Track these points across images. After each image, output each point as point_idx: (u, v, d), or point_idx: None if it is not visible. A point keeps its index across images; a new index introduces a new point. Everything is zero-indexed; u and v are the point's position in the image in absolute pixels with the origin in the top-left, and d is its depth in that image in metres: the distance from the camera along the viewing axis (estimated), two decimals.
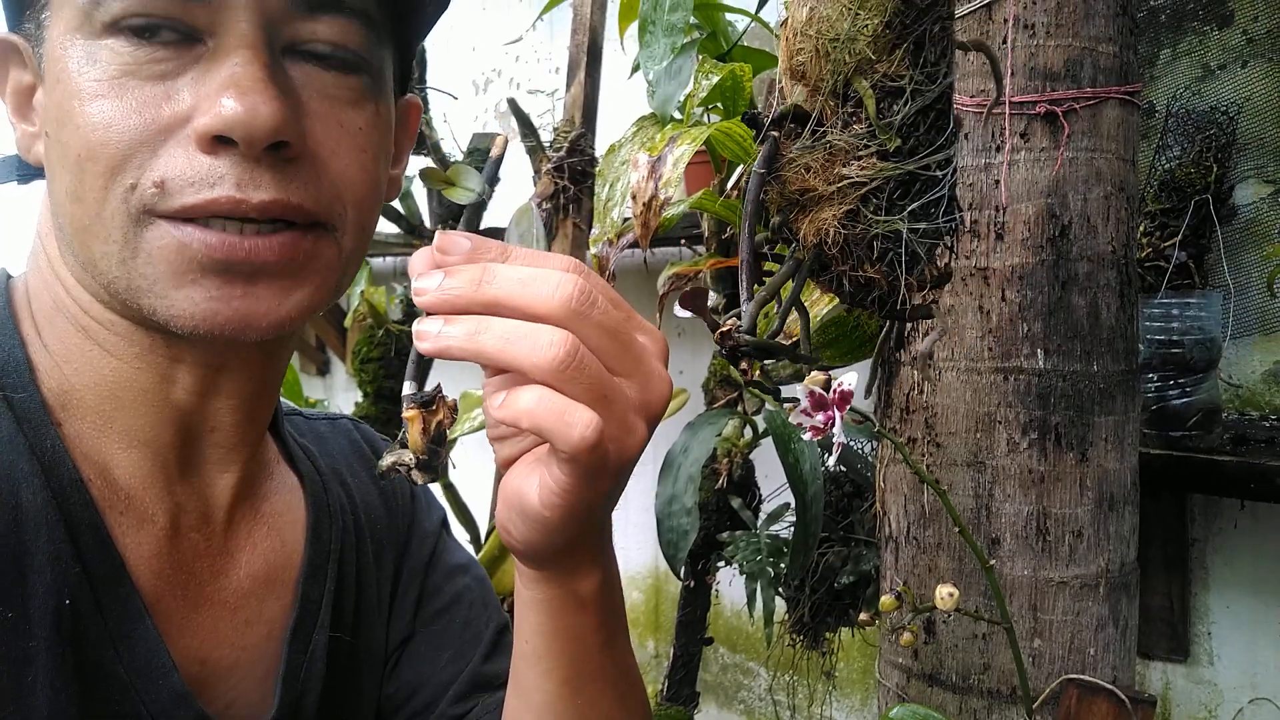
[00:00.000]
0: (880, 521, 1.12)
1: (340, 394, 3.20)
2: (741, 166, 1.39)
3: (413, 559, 0.82)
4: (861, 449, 1.42)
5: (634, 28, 1.54)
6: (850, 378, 0.83)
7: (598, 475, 0.48)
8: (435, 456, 0.46)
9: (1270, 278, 1.27)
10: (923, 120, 0.63)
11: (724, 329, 0.61)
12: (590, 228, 1.93)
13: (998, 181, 0.98)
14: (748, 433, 1.52)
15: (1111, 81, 0.98)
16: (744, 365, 0.63)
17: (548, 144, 1.93)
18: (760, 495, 1.59)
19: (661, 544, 1.26)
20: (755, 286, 0.68)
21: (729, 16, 1.46)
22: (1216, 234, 1.42)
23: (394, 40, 0.61)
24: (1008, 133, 0.97)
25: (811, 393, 0.81)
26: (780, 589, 1.50)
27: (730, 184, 1.46)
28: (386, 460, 0.47)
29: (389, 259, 2.80)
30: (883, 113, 0.62)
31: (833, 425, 0.82)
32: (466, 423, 1.49)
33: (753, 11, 1.48)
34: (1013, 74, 0.97)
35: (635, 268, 1.57)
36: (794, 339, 1.11)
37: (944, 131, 0.64)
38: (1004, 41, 0.97)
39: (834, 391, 0.81)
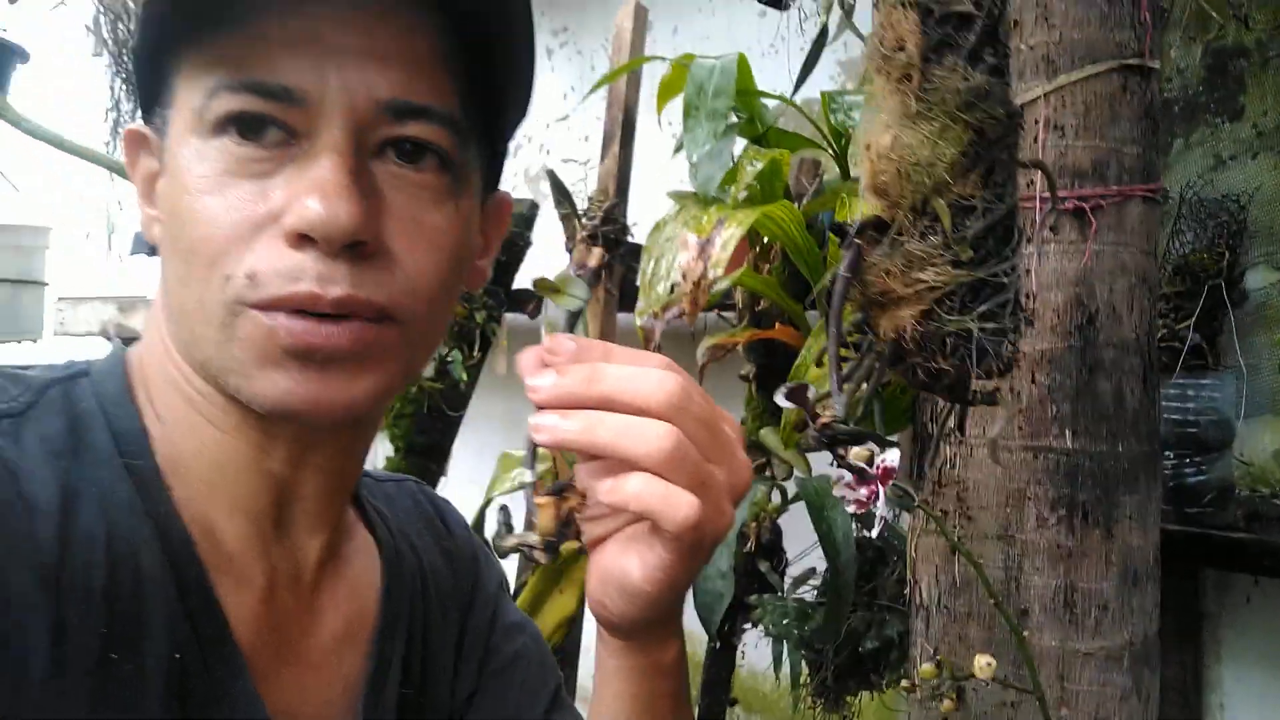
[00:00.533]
0: (911, 590, 1.16)
1: (376, 447, 3.24)
2: (773, 244, 1.46)
3: (477, 618, 0.86)
4: (893, 518, 1.47)
5: (672, 105, 1.62)
6: (893, 454, 0.89)
7: (695, 553, 0.53)
8: (562, 539, 0.51)
9: None
10: (991, 234, 0.69)
11: (824, 420, 0.66)
12: (621, 293, 1.99)
13: (1029, 271, 1.05)
14: (776, 497, 1.57)
15: (1135, 180, 1.05)
16: (841, 451, 0.68)
17: (582, 212, 2.01)
18: (787, 559, 1.63)
19: (696, 607, 1.30)
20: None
21: (763, 100, 1.54)
22: (1229, 317, 1.48)
23: (480, 141, 0.65)
24: (1039, 226, 1.04)
25: (857, 468, 0.87)
26: (804, 651, 1.54)
27: (761, 259, 1.53)
28: (510, 541, 0.52)
29: None
30: (957, 227, 0.68)
31: (876, 499, 0.88)
32: (505, 482, 1.54)
33: (787, 96, 1.56)
34: (1043, 172, 1.04)
35: (667, 334, 1.63)
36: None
37: (1009, 242, 0.71)
38: (1035, 141, 1.04)
39: (878, 466, 0.87)
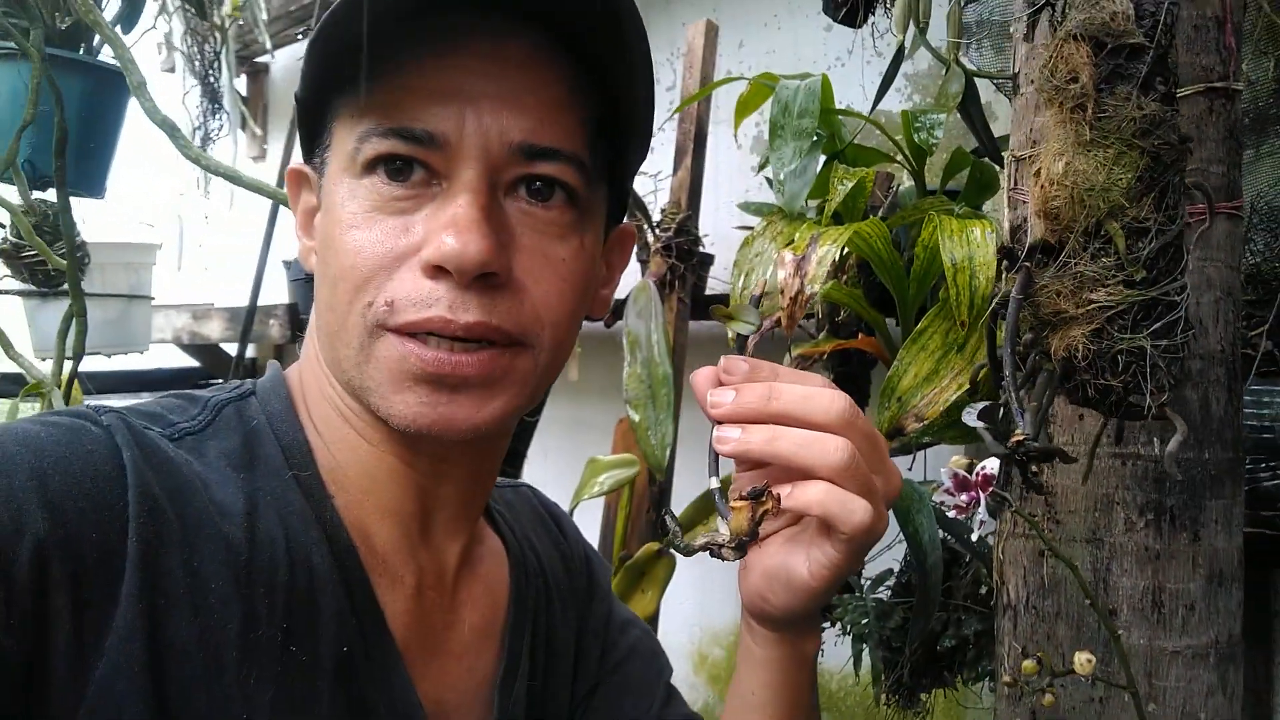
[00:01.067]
0: (998, 591, 1.21)
1: None
2: (852, 256, 1.51)
3: (594, 617, 0.92)
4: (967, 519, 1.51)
5: (746, 124, 1.67)
6: (993, 462, 0.94)
7: (860, 552, 0.60)
8: (753, 539, 0.57)
9: None
10: (1164, 255, 0.74)
11: (1017, 438, 0.72)
12: (693, 302, 2.05)
13: None
14: None
15: (1220, 198, 1.09)
16: (1032, 469, 0.73)
17: (655, 223, 2.07)
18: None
19: None
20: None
21: (841, 118, 1.59)
22: None
23: (606, 178, 0.71)
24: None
25: (955, 475, 0.92)
26: (881, 650, 1.59)
27: (839, 270, 1.58)
28: (700, 540, 0.59)
29: None
30: (1130, 249, 0.73)
31: (977, 505, 0.93)
32: (594, 487, 1.61)
33: (861, 112, 1.61)
34: (1203, 192, 1.08)
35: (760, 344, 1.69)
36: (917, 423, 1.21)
37: (1179, 262, 0.76)
38: None
39: (978, 474, 0.92)
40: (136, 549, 0.55)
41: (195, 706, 0.55)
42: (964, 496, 0.93)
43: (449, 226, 0.60)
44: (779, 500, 0.58)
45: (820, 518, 0.59)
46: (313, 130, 0.68)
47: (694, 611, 2.62)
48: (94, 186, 1.51)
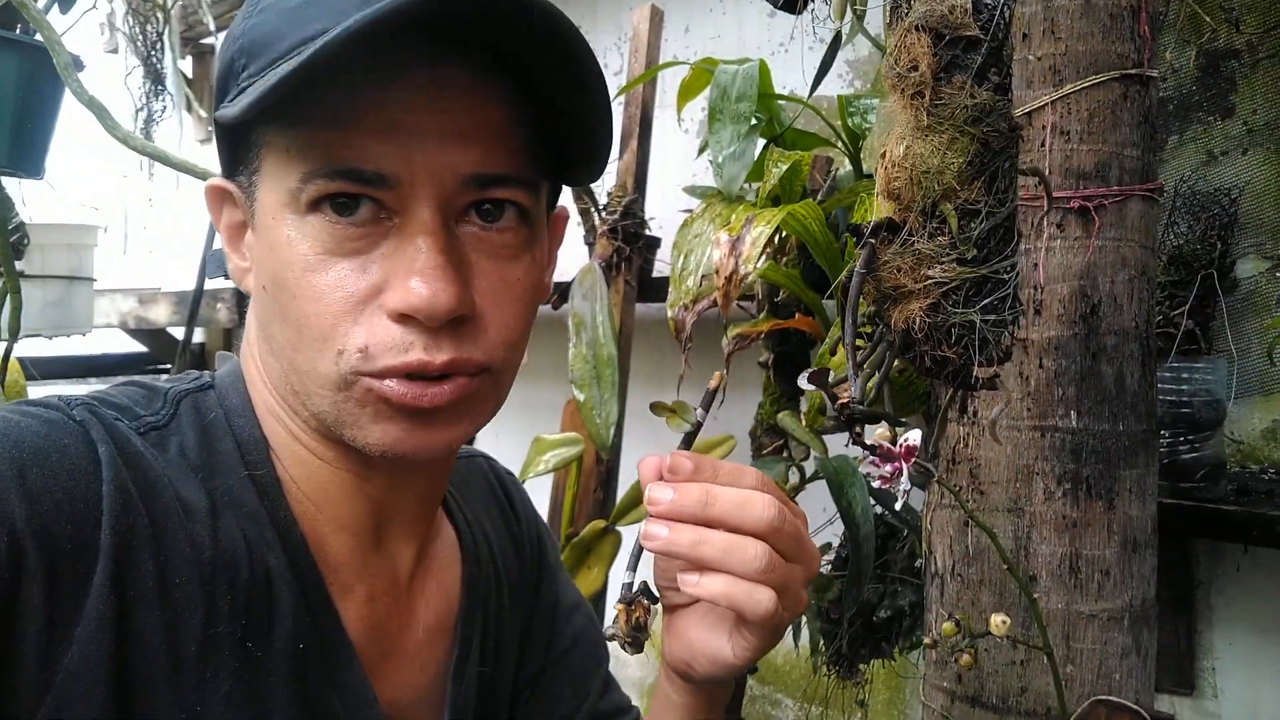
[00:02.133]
0: (926, 560, 1.25)
1: None
2: (790, 237, 1.55)
3: (543, 602, 0.92)
4: (903, 494, 1.56)
5: (690, 107, 1.70)
6: (915, 434, 0.98)
7: (777, 632, 0.66)
8: (637, 636, 0.62)
9: (1270, 346, 1.42)
10: (994, 235, 0.78)
11: (843, 400, 0.75)
12: (640, 285, 2.08)
13: (1036, 265, 1.14)
14: (794, 477, 1.67)
15: (1135, 180, 1.13)
16: (857, 430, 0.77)
17: (602, 207, 2.09)
18: None
19: None
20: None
21: (781, 102, 1.62)
22: (1220, 304, 1.57)
23: (549, 186, 0.71)
24: (1046, 224, 1.13)
25: (880, 446, 0.96)
26: (820, 622, 1.63)
27: (778, 251, 1.61)
28: (609, 631, 0.64)
29: None
30: (963, 229, 0.77)
31: (900, 475, 0.97)
32: (539, 465, 1.63)
33: (800, 96, 1.64)
34: (1050, 173, 1.13)
35: (696, 323, 1.72)
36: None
37: (1010, 242, 0.80)
38: (1042, 145, 1.13)
39: (901, 445, 0.96)
40: (110, 542, 0.56)
41: (156, 697, 0.57)
42: (888, 467, 0.97)
43: (413, 274, 0.59)
44: (648, 609, 0.64)
45: (724, 606, 0.62)
46: (235, 149, 0.66)
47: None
48: (32, 167, 1.49)
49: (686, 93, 1.72)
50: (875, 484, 0.99)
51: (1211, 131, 1.69)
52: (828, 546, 1.64)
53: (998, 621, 0.96)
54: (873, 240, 0.86)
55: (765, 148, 1.48)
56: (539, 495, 2.01)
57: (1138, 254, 1.14)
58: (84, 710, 0.54)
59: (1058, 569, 1.13)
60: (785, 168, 1.27)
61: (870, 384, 0.85)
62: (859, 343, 0.99)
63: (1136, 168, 1.14)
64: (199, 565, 0.60)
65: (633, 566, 0.66)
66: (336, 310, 0.60)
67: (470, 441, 2.18)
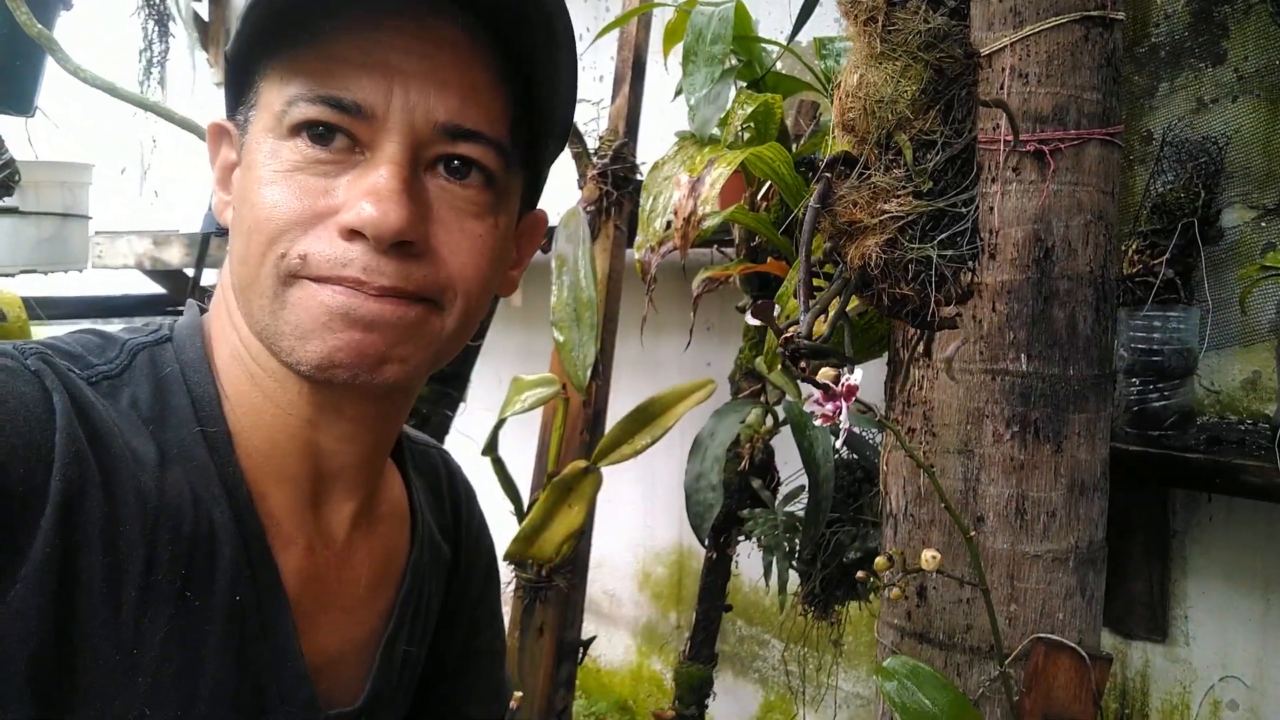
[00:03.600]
0: (882, 500, 1.27)
1: None
2: (770, 183, 1.55)
3: (471, 591, 0.95)
4: (872, 439, 1.58)
5: (678, 51, 1.69)
6: (857, 374, 0.99)
7: None
8: None
9: (1242, 296, 1.41)
10: (951, 166, 0.78)
11: (787, 335, 0.76)
12: (630, 229, 2.09)
13: (992, 208, 1.14)
14: (769, 421, 1.69)
15: (1094, 124, 1.13)
16: (802, 365, 0.78)
17: (593, 151, 2.10)
18: (779, 478, 1.75)
19: (689, 516, 1.42)
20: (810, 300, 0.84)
21: (764, 45, 1.61)
22: (1200, 254, 1.56)
23: (524, 165, 0.74)
24: (1001, 167, 1.13)
25: (823, 385, 0.98)
26: (794, 563, 1.66)
27: (759, 196, 1.62)
28: None
29: None
30: (918, 160, 0.77)
31: (840, 414, 0.99)
32: (516, 404, 1.66)
33: (784, 43, 1.63)
34: (1008, 116, 1.12)
35: (673, 269, 1.73)
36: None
37: (969, 175, 0.80)
38: (1001, 88, 1.13)
39: (842, 385, 0.98)
40: (59, 488, 0.58)
41: (95, 639, 0.60)
42: (829, 406, 0.99)
43: (369, 194, 0.62)
44: None
45: None
46: (239, 88, 0.69)
47: (638, 532, 2.70)
48: (21, 104, 1.53)
49: (671, 36, 1.72)
50: (817, 422, 1.00)
51: (1202, 78, 1.66)
52: (800, 489, 1.66)
53: (927, 557, 0.98)
54: (828, 174, 0.87)
55: (739, 93, 1.48)
56: (526, 437, 2.04)
57: (1095, 199, 1.14)
58: (23, 648, 0.56)
59: (1004, 510, 1.15)
60: (751, 109, 1.27)
61: (821, 321, 0.86)
62: (819, 282, 1.00)
63: (1096, 111, 1.13)
64: (143, 514, 0.62)
65: None
66: (289, 219, 0.63)
67: (459, 392, 2.20)
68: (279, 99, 0.64)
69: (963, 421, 1.17)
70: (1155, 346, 1.44)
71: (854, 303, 1.31)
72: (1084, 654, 1.08)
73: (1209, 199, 1.60)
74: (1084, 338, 1.14)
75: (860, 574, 0.99)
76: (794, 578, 1.72)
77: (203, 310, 0.75)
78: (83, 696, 0.59)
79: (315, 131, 0.64)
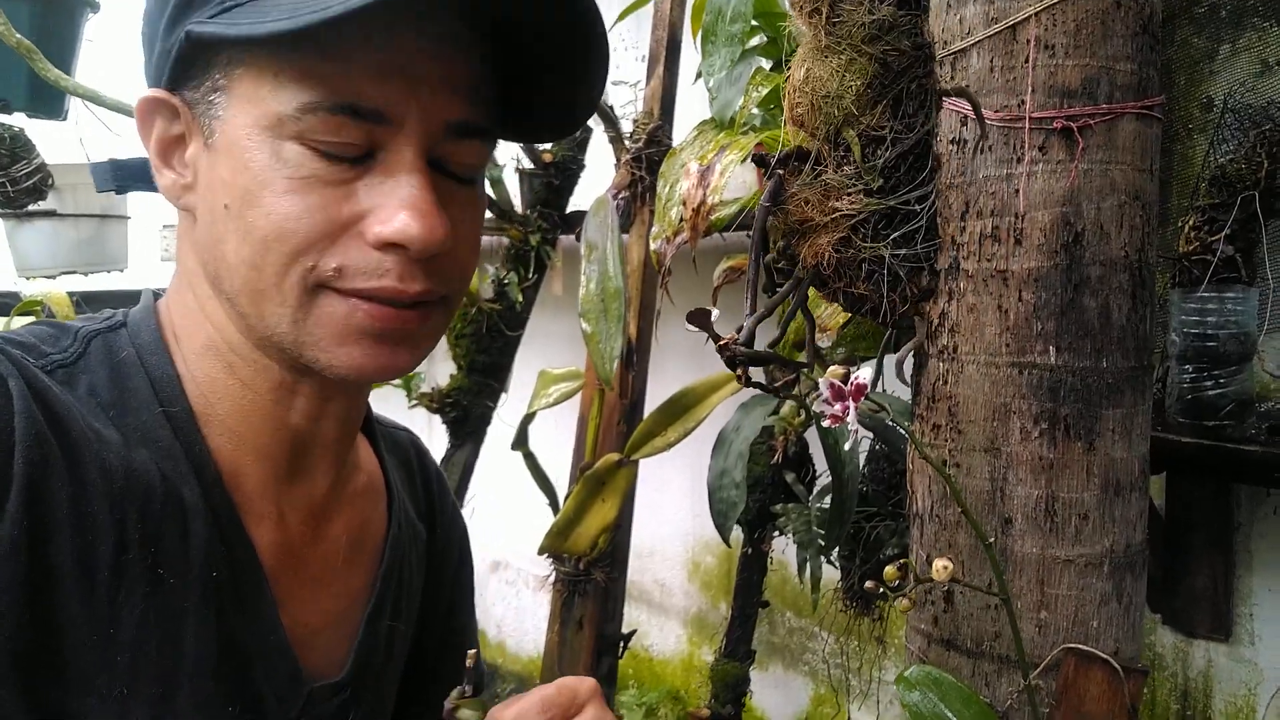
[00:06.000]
0: (909, 500, 1.21)
1: (439, 365, 3.40)
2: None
3: (448, 570, 0.95)
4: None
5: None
6: (866, 372, 0.94)
7: None
8: None
9: None
10: (903, 163, 0.73)
11: (723, 341, 0.72)
12: None
13: (1018, 191, 1.06)
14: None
15: (1129, 97, 1.05)
16: (739, 371, 0.74)
17: (628, 135, 2.05)
18: (815, 471, 1.70)
19: (712, 513, 1.38)
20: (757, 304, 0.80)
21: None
22: (1263, 229, 1.46)
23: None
24: (1027, 146, 1.05)
25: (831, 384, 0.93)
26: (830, 558, 1.61)
27: None
28: None
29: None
30: (867, 157, 0.72)
31: (849, 414, 0.94)
32: (543, 398, 1.63)
33: None
34: (1033, 91, 1.05)
35: (718, 252, 1.68)
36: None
37: (923, 171, 0.74)
38: (1025, 61, 1.05)
39: (851, 383, 0.93)
40: (23, 471, 0.58)
41: (68, 619, 0.60)
42: (838, 405, 0.94)
43: (408, 208, 0.63)
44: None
45: None
46: (185, 61, 0.66)
47: (687, 521, 2.66)
48: (52, 109, 1.54)
49: (699, 15, 1.66)
50: (826, 423, 0.95)
51: (1267, 38, 1.55)
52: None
53: (939, 567, 0.93)
54: (780, 171, 0.82)
55: (774, 71, 1.42)
56: (564, 430, 2.02)
57: (1130, 177, 1.06)
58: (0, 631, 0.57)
59: (1033, 512, 1.08)
60: (766, 90, 1.22)
61: (756, 323, 0.82)
62: (778, 279, 0.95)
63: (1130, 83, 1.05)
64: (110, 494, 0.62)
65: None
66: (316, 230, 0.63)
67: (500, 383, 2.19)
68: (282, 101, 0.62)
69: (988, 418, 1.10)
70: (1210, 331, 1.35)
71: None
72: (1117, 666, 1.02)
73: (1273, 169, 1.49)
74: (1118, 327, 1.06)
75: (869, 584, 0.94)
76: (834, 572, 1.67)
77: (156, 296, 0.75)
78: (64, 677, 0.60)
79: (327, 151, 0.63)
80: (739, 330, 0.74)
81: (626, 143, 2.00)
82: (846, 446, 0.98)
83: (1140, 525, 1.11)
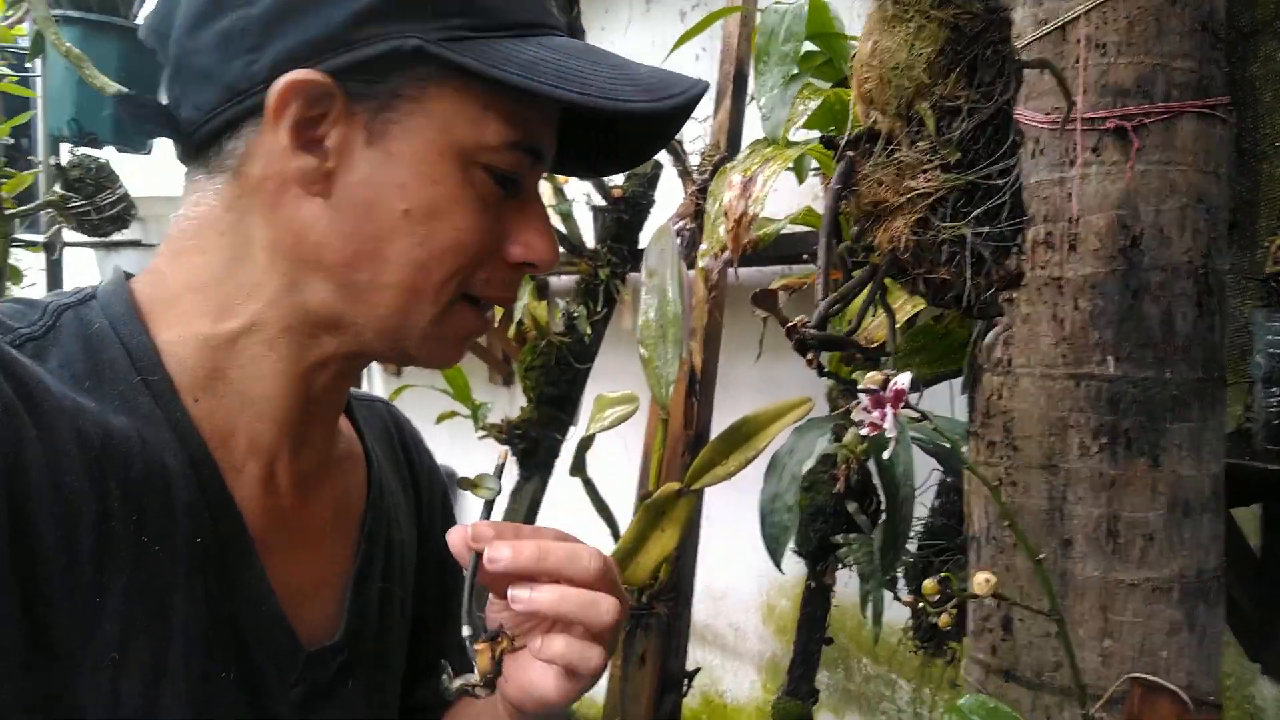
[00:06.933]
0: (966, 522, 1.16)
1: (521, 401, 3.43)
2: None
3: (436, 530, 0.95)
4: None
5: None
6: (904, 377, 0.90)
7: (595, 676, 0.70)
8: (497, 675, 0.68)
9: None
10: (981, 134, 0.70)
11: (792, 324, 0.70)
12: None
13: (1070, 195, 1.02)
14: (867, 440, 1.58)
15: (1187, 96, 1.00)
16: (809, 356, 0.72)
17: (695, 168, 2.05)
18: (879, 502, 1.64)
19: (764, 538, 1.34)
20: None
21: (850, 42, 1.54)
22: None
23: None
24: (1079, 148, 1.01)
25: (869, 391, 0.89)
26: (896, 592, 1.55)
27: None
28: (456, 683, 0.67)
29: (554, 277, 2.99)
30: (942, 130, 0.69)
31: (887, 422, 0.90)
32: (598, 422, 1.62)
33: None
34: (1085, 91, 1.01)
35: (757, 280, 1.65)
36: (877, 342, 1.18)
37: (1003, 144, 0.71)
38: (1076, 61, 1.01)
39: (890, 390, 0.89)
40: None
41: (54, 591, 0.60)
42: (877, 414, 0.90)
43: (539, 234, 0.73)
44: (513, 640, 0.69)
45: (567, 620, 0.69)
46: (358, 54, 0.65)
47: (761, 563, 2.60)
48: (136, 143, 1.62)
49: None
50: (864, 431, 0.92)
51: None
52: None
53: (981, 580, 0.88)
54: (850, 153, 0.79)
55: (802, 88, 1.41)
56: (631, 461, 2.00)
57: (1192, 179, 1.00)
58: None
59: (1094, 532, 1.02)
60: (816, 105, 1.20)
61: (836, 310, 0.79)
62: (856, 272, 0.92)
63: (1190, 81, 1.00)
64: (88, 462, 0.62)
65: (467, 621, 0.69)
66: (484, 247, 0.71)
67: (569, 416, 2.18)
68: (485, 132, 0.68)
69: (1045, 433, 1.04)
70: None
71: (919, 306, 1.21)
72: (1186, 698, 0.94)
73: None
74: (1183, 336, 1.00)
75: (907, 598, 0.89)
76: (904, 611, 1.60)
77: (128, 276, 0.74)
78: (52, 650, 0.59)
79: (509, 177, 0.71)
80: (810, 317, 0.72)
81: (694, 176, 2.00)
82: (886, 455, 0.94)
83: (1215, 550, 1.03)
